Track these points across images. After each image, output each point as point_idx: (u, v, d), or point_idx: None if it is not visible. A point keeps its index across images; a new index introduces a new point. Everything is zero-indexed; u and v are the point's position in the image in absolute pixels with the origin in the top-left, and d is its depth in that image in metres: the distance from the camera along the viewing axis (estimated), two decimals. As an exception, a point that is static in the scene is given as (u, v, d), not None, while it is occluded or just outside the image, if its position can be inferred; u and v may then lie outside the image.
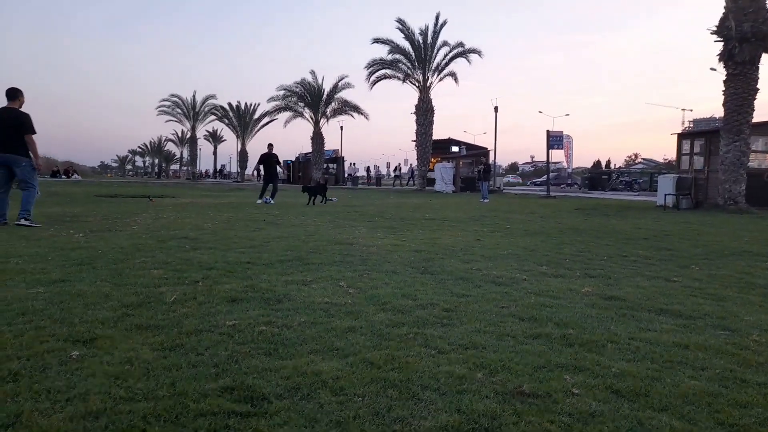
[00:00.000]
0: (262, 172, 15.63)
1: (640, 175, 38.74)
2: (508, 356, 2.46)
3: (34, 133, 7.47)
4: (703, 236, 7.88)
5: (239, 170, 56.03)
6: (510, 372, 2.28)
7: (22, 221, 7.15)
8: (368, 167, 53.65)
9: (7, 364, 2.22)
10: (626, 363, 2.44)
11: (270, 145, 16.06)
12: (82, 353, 2.37)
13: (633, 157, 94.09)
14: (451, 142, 41.20)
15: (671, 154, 15.82)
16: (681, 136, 17.67)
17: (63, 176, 46.45)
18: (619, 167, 76.32)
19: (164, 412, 1.84)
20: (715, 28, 14.39)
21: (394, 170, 51.67)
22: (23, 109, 7.52)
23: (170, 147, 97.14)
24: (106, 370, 2.18)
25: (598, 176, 42.49)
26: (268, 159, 15.73)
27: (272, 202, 14.82)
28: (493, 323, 3.01)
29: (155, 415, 1.82)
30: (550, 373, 2.28)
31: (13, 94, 7.51)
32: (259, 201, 14.72)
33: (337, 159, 45.25)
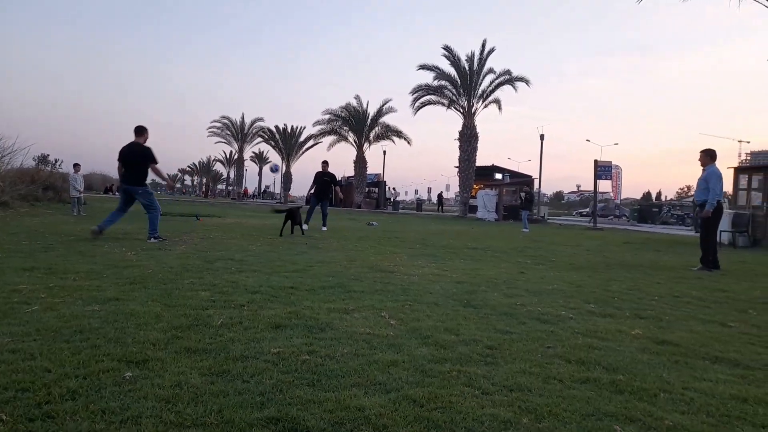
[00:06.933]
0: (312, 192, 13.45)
1: (693, 208, 37.26)
2: (555, 401, 2.40)
3: (157, 162, 8.63)
4: (762, 277, 7.50)
5: (282, 191, 57.17)
6: (557, 419, 2.22)
7: (152, 239, 8.35)
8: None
9: (66, 382, 2.31)
10: (680, 415, 2.34)
11: (324, 163, 13.69)
12: (134, 374, 2.45)
13: (686, 189, 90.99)
14: (494, 168, 41.01)
15: (727, 189, 15.11)
16: (738, 170, 16.96)
17: (116, 193, 48.49)
18: (671, 199, 73.81)
19: (211, 441, 1.87)
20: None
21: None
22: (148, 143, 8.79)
23: (218, 167, 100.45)
24: (157, 393, 2.24)
25: (648, 208, 41.28)
26: (321, 178, 13.38)
27: (324, 228, 12.62)
28: (538, 364, 2.94)
29: (203, 443, 1.86)
30: (599, 422, 2.21)
31: (139, 130, 8.70)
32: (305, 227, 11.85)
33: (379, 183, 45.60)
